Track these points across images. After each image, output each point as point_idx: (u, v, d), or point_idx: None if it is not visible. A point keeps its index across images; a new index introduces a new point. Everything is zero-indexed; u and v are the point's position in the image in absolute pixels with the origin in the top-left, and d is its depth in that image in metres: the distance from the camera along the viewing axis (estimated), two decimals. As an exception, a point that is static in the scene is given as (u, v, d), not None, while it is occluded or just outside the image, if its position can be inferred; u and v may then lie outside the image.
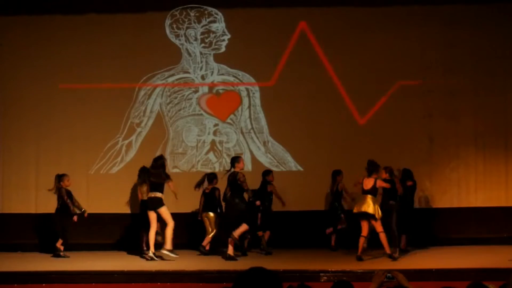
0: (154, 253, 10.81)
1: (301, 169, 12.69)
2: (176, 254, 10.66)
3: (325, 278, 9.45)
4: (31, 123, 12.78)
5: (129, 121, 12.85)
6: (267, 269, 3.43)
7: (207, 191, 11.73)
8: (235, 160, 11.09)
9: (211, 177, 11.81)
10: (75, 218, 11.48)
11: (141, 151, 12.75)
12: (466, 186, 11.55)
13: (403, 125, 12.73)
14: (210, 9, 12.97)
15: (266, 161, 12.73)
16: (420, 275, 9.34)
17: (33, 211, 12.62)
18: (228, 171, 11.09)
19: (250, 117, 12.91)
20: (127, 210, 12.22)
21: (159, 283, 9.52)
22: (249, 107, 12.92)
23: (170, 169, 12.71)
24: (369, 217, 10.44)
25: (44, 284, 9.50)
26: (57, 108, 12.79)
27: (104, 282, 9.52)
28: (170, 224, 10.72)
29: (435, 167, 12.50)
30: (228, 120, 12.93)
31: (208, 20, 12.97)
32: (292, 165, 12.74)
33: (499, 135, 12.71)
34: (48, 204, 12.55)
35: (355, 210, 10.56)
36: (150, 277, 9.71)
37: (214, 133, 12.89)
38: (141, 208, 11.53)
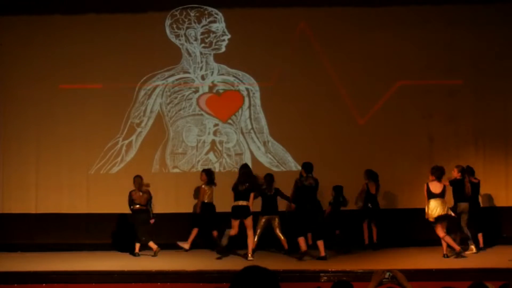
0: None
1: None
2: None
3: (325, 278, 9.45)
4: (31, 123, 12.77)
5: (129, 121, 12.85)
6: (263, 268, 3.42)
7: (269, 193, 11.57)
8: None
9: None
10: None
11: (141, 151, 12.76)
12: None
13: (403, 125, 12.73)
14: (210, 9, 12.97)
15: (266, 161, 12.73)
16: (420, 275, 9.34)
17: (33, 211, 12.62)
18: None
19: (250, 117, 12.90)
20: (127, 210, 12.18)
21: (159, 283, 9.52)
22: (249, 107, 12.92)
23: (170, 169, 12.73)
24: (447, 219, 10.76)
25: (44, 284, 9.51)
26: (57, 108, 12.79)
27: (104, 282, 9.52)
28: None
29: (435, 167, 12.48)
30: (228, 120, 12.92)
31: (208, 20, 12.97)
32: (292, 165, 12.73)
33: (499, 135, 12.71)
34: (48, 204, 12.58)
35: (436, 214, 10.69)
36: (150, 277, 9.72)
37: (214, 133, 12.89)
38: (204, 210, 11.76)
